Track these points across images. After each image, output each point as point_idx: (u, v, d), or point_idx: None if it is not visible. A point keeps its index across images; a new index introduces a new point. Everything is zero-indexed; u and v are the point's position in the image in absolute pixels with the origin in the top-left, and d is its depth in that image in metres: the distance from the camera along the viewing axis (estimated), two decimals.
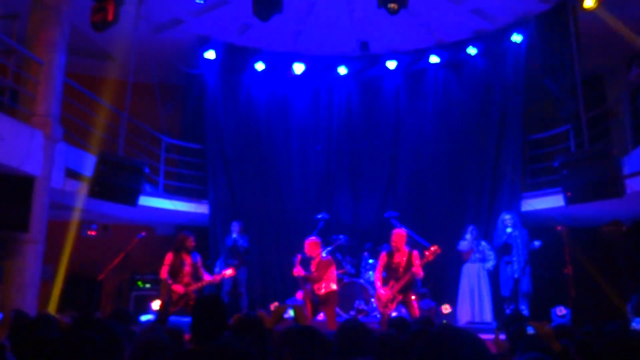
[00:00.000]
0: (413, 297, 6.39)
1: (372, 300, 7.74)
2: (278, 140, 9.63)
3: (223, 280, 8.41)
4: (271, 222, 9.41)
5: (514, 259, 7.67)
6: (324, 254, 6.86)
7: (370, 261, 8.38)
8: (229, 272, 6.91)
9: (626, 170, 6.84)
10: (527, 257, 7.65)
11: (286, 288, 8.94)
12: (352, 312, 7.83)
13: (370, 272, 8.20)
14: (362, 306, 7.90)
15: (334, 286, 6.49)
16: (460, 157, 9.07)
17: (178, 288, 6.55)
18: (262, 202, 9.46)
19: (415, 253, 6.32)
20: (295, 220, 9.39)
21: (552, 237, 7.52)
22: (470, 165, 8.97)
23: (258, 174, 9.52)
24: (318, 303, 6.45)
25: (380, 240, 8.65)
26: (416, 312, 6.25)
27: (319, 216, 8.81)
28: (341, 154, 9.58)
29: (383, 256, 6.39)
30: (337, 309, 7.32)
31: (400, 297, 6.21)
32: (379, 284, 6.31)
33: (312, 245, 6.55)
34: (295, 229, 9.21)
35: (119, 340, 2.02)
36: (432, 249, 6.29)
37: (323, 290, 6.44)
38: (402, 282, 6.22)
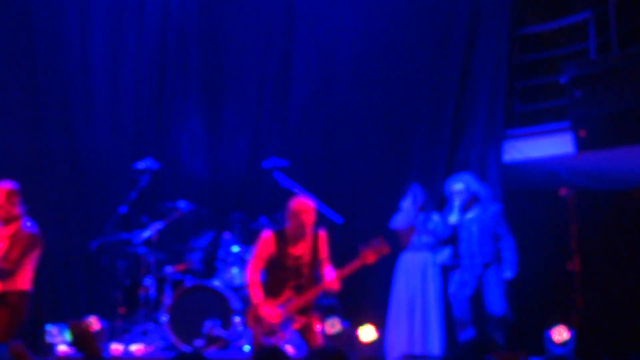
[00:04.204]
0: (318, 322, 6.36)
1: (236, 319, 7.48)
2: (67, 37, 9.10)
3: None
4: (50, 176, 8.91)
5: (465, 261, 7.56)
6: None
7: (236, 249, 8.01)
8: None
9: None
10: (491, 256, 7.39)
11: (78, 295, 8.45)
12: (198, 342, 7.41)
13: (235, 269, 7.89)
14: (217, 331, 7.47)
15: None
16: (403, 69, 8.94)
17: None
18: (33, 139, 8.95)
19: (323, 235, 6.19)
20: (98, 172, 8.94)
21: (551, 207, 7.82)
22: (419, 83, 8.86)
23: (26, 91, 9.04)
24: None
25: (255, 210, 8.49)
26: (318, 342, 6.16)
27: (142, 166, 8.32)
28: (188, 62, 9.27)
29: (268, 240, 6.11)
30: (172, 337, 7.31)
31: (301, 321, 6.00)
32: (257, 292, 6.03)
33: None
34: (98, 189, 8.78)
35: None
36: (375, 244, 6.08)
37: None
38: (309, 294, 6.02)
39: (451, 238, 7.66)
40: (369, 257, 6.07)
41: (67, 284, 8.62)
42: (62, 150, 9.03)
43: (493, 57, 8.53)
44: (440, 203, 8.25)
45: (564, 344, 6.92)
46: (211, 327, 7.43)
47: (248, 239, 7.87)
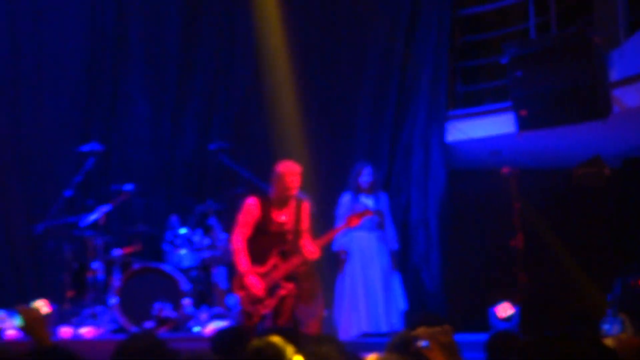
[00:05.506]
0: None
1: (186, 301, 7.51)
2: (13, 18, 8.84)
3: None
4: None
5: None
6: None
7: (183, 231, 7.99)
8: None
9: (615, 74, 7.03)
10: None
11: (25, 280, 8.35)
12: (148, 324, 7.40)
13: (184, 251, 7.90)
14: (168, 312, 7.50)
15: None
16: (347, 49, 9.00)
17: None
18: None
19: (307, 205, 6.26)
20: (43, 155, 8.75)
21: (493, 186, 7.72)
22: (362, 63, 8.87)
23: None
24: None
25: (202, 193, 8.53)
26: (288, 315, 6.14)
27: (87, 148, 8.24)
28: (130, 45, 9.03)
29: (252, 206, 6.10)
30: (121, 320, 7.24)
31: (288, 288, 6.03)
32: (244, 260, 6.01)
33: None
34: (43, 172, 8.64)
35: None
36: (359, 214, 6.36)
37: None
38: (294, 260, 6.03)
39: None
40: (354, 221, 6.21)
41: (13, 268, 8.54)
42: (7, 133, 8.83)
43: (435, 38, 8.58)
44: (387, 182, 8.39)
45: (509, 319, 7.14)
46: (160, 308, 7.43)
47: (195, 222, 7.91)
